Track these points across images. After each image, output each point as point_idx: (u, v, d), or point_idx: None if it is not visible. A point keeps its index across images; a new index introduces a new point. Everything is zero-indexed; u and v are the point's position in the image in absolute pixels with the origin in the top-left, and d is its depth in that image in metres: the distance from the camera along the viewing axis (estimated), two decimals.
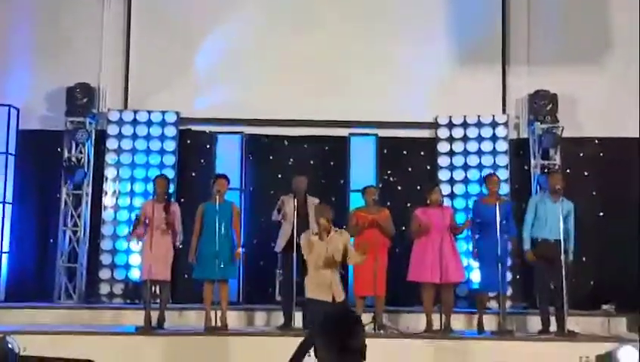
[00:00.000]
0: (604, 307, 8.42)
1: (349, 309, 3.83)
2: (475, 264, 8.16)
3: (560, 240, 7.42)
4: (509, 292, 8.66)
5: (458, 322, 7.98)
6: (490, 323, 7.85)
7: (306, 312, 7.24)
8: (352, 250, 6.52)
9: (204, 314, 7.69)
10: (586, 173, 9.28)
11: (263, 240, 8.89)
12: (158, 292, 8.04)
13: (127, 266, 8.94)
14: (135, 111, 9.31)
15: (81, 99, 9.09)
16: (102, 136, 9.25)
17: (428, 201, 7.72)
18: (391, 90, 9.45)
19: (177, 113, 9.31)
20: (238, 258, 7.86)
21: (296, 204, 7.73)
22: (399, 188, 9.39)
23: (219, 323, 7.45)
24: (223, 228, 7.61)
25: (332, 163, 9.50)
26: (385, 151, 9.39)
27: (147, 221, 7.61)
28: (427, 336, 7.28)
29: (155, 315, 7.67)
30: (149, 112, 9.30)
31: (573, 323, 7.64)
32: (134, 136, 9.25)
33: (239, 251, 7.90)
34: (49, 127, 9.29)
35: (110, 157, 9.18)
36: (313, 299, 6.38)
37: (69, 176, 9.02)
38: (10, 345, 4.66)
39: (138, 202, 8.74)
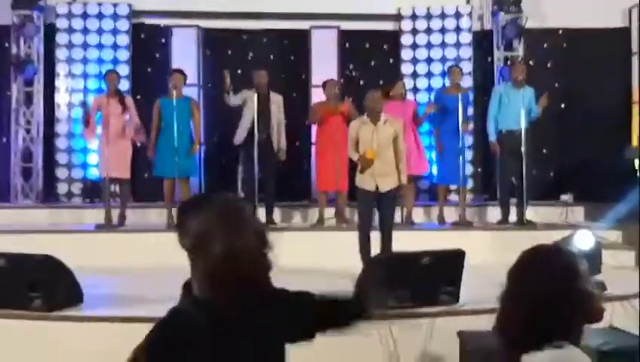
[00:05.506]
0: (563, 197, 8.55)
1: None
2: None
3: (522, 129, 7.42)
4: (470, 184, 8.73)
5: (419, 215, 8.05)
6: (450, 215, 7.94)
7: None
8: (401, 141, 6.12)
9: (165, 212, 7.64)
10: (549, 65, 9.21)
11: (222, 136, 8.72)
12: (117, 190, 7.95)
13: (85, 165, 8.74)
14: (85, 4, 8.87)
15: None
16: (51, 31, 8.83)
17: (390, 94, 7.60)
18: None
19: (129, 5, 8.89)
20: (195, 152, 7.73)
21: (257, 99, 7.56)
22: (361, 82, 9.21)
23: None
24: (180, 125, 7.43)
25: (292, 57, 9.26)
26: (347, 44, 9.16)
27: (102, 117, 7.41)
28: None
29: (115, 214, 7.60)
30: (100, 4, 8.87)
31: (532, 213, 7.79)
32: (85, 31, 8.85)
33: (196, 147, 7.76)
34: None
35: (61, 53, 8.80)
36: (357, 187, 6.18)
37: (18, 72, 8.67)
38: None
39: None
